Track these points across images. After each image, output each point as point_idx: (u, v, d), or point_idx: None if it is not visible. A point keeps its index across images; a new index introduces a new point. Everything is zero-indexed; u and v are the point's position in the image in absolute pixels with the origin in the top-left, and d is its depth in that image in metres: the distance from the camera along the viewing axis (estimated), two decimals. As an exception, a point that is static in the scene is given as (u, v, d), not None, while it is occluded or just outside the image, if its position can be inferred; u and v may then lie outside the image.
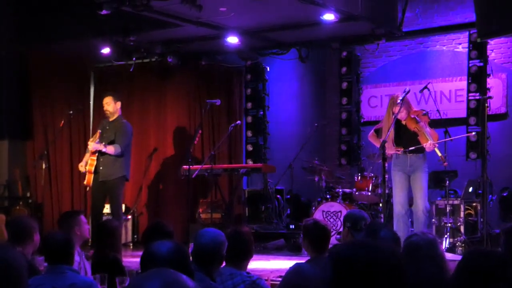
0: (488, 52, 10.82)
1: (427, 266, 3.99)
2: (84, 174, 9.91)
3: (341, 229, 8.57)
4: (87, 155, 9.85)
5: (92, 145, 9.71)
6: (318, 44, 11.68)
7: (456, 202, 10.04)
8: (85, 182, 9.91)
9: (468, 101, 10.86)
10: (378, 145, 8.48)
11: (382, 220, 9.10)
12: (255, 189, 12.22)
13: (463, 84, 11.16)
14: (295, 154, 11.39)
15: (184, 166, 10.58)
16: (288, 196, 12.20)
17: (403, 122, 8.69)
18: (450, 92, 11.60)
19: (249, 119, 12.82)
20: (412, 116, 8.63)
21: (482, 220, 9.72)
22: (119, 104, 9.95)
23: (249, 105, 12.85)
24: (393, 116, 8.47)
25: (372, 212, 10.12)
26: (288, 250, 10.66)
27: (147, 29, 10.64)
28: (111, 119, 9.90)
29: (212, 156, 11.02)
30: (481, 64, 10.66)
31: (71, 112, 10.88)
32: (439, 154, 8.45)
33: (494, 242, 8.84)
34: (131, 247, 11.77)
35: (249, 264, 4.91)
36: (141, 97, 12.73)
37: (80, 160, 10.21)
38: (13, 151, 12.50)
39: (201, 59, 12.34)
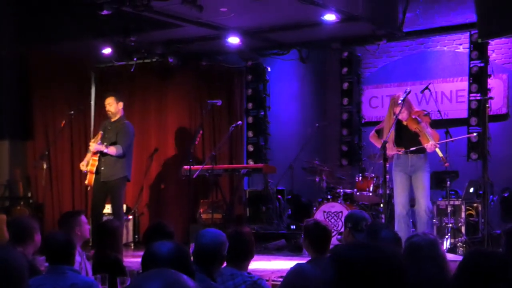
0: (489, 52, 10.81)
1: (428, 266, 3.99)
2: (85, 174, 9.92)
3: (342, 230, 8.57)
4: (89, 154, 9.85)
5: (94, 146, 9.71)
6: (318, 45, 11.68)
7: (457, 202, 10.03)
8: (86, 182, 9.92)
9: (469, 101, 10.86)
10: (379, 145, 8.47)
11: (383, 220, 9.12)
12: (256, 190, 12.22)
13: (464, 84, 11.16)
14: (296, 154, 11.38)
15: (185, 167, 10.59)
16: (289, 197, 12.19)
17: (404, 123, 8.68)
18: (451, 93, 11.59)
19: (250, 119, 12.83)
20: (413, 117, 8.62)
21: (483, 220, 9.71)
22: (121, 104, 9.95)
23: (250, 105, 12.85)
24: (394, 117, 8.47)
25: (373, 212, 10.11)
26: (289, 251, 10.66)
27: (148, 30, 10.64)
28: (113, 120, 9.90)
29: (213, 157, 11.01)
30: (482, 64, 10.66)
31: (72, 112, 10.88)
32: (440, 154, 8.45)
33: (495, 243, 8.82)
34: (132, 247, 11.76)
35: (250, 264, 4.91)
36: (142, 97, 12.73)
37: (81, 160, 10.21)
38: (13, 151, 12.51)
39: (201, 59, 12.35)
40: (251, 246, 4.85)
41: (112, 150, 9.63)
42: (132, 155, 10.12)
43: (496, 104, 10.93)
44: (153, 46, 11.74)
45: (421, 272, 3.93)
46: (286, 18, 10.29)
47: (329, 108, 12.66)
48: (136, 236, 12.08)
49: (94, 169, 9.70)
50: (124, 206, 10.74)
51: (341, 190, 10.48)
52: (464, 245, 9.53)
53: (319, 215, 10.05)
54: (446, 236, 9.56)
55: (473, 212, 10.10)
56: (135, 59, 12.00)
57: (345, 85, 12.08)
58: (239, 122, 11.50)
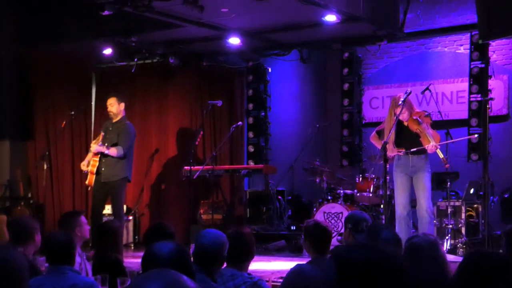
0: (490, 53, 10.82)
1: (429, 267, 3.99)
2: (85, 174, 9.92)
3: (342, 230, 8.57)
4: (90, 154, 9.86)
5: (95, 147, 9.71)
6: (319, 45, 11.68)
7: (457, 203, 10.04)
8: (86, 182, 9.92)
9: (470, 102, 10.86)
10: (379, 146, 8.47)
11: (383, 221, 9.12)
12: (256, 190, 12.22)
13: (465, 85, 11.17)
14: (296, 155, 11.39)
15: (186, 167, 10.60)
16: (289, 197, 12.20)
17: (405, 123, 8.68)
18: (452, 94, 11.60)
19: (251, 120, 12.83)
20: (414, 118, 8.62)
21: (483, 221, 9.72)
22: (122, 105, 9.95)
23: (251, 106, 12.86)
24: (395, 118, 8.47)
25: (373, 213, 10.12)
26: (289, 251, 10.66)
27: (149, 30, 10.65)
28: (114, 120, 9.90)
29: (214, 157, 11.02)
30: (483, 65, 10.66)
31: (72, 112, 10.88)
32: (441, 156, 8.44)
33: (496, 244, 8.83)
34: (132, 247, 11.77)
35: (250, 265, 4.91)
36: (143, 97, 12.73)
37: (81, 161, 10.21)
38: (14, 152, 12.51)
39: (202, 60, 12.35)
40: (252, 246, 4.85)
41: (113, 151, 9.63)
42: (133, 155, 10.12)
43: (497, 105, 10.93)
44: (154, 46, 11.74)
45: (422, 272, 3.93)
46: (287, 19, 10.30)
47: (329, 109, 12.67)
48: (137, 237, 12.08)
49: (94, 169, 9.71)
50: (125, 207, 10.73)
51: (342, 191, 10.49)
52: (464, 246, 9.53)
53: (319, 216, 10.05)
54: (446, 237, 9.56)
55: (474, 213, 10.10)
56: (136, 59, 11.99)
57: (346, 85, 12.08)
58: (240, 122, 11.50)
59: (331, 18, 9.87)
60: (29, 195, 12.20)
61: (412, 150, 8.59)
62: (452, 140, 9.54)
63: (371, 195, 10.25)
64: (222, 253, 4.42)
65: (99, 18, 9.17)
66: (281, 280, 4.74)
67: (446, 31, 11.50)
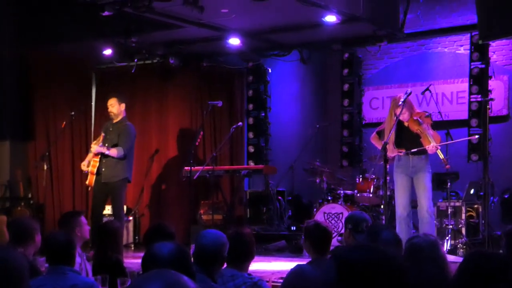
0: (490, 54, 10.82)
1: (429, 267, 3.99)
2: (85, 174, 9.93)
3: (342, 231, 8.58)
4: (90, 154, 9.86)
5: (96, 148, 9.71)
6: (319, 46, 11.68)
7: (457, 204, 10.03)
8: (87, 183, 9.92)
9: (470, 103, 10.86)
10: (380, 147, 8.47)
11: (384, 221, 9.11)
12: (257, 191, 12.22)
13: (465, 86, 11.17)
14: (296, 155, 11.39)
15: (186, 168, 10.60)
16: (290, 198, 12.20)
17: (406, 124, 8.67)
18: (452, 94, 11.61)
19: (251, 120, 12.83)
20: (415, 118, 8.61)
21: (483, 222, 9.71)
22: (123, 106, 9.95)
23: (251, 106, 12.86)
24: (395, 118, 8.46)
25: (373, 213, 10.12)
26: (290, 252, 10.66)
27: (149, 31, 10.65)
28: (115, 121, 9.90)
29: (214, 158, 11.02)
30: (483, 66, 10.66)
31: (72, 113, 10.88)
32: (441, 156, 8.44)
33: (496, 244, 8.82)
34: (133, 248, 11.76)
35: (250, 265, 4.91)
36: (143, 98, 12.72)
37: (81, 161, 10.21)
38: (14, 152, 12.50)
39: (202, 60, 12.35)
40: (252, 247, 4.85)
41: (113, 152, 9.63)
42: (133, 156, 10.12)
43: (497, 105, 10.93)
44: (154, 47, 11.74)
45: (422, 273, 3.93)
46: (287, 19, 10.29)
47: (329, 109, 12.67)
48: (137, 237, 12.08)
49: (95, 170, 9.71)
50: (125, 207, 10.74)
51: (342, 191, 10.49)
52: (465, 247, 9.53)
53: (319, 216, 10.05)
54: (447, 238, 9.56)
55: (474, 214, 10.10)
56: (136, 60, 11.99)
57: (346, 86, 12.08)
58: (240, 123, 11.49)
59: (331, 18, 9.87)
60: (29, 195, 12.19)
61: (412, 150, 8.58)
62: (453, 141, 9.54)
63: (371, 195, 10.26)
64: (222, 253, 4.42)
65: (99, 19, 9.18)
66: (281, 281, 4.74)
67: (446, 31, 11.51)
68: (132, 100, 12.30)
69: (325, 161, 11.47)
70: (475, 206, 10.12)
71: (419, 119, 8.59)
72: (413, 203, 8.83)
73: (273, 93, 13.00)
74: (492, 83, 10.79)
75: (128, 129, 9.88)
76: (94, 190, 9.85)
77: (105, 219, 9.77)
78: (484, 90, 10.61)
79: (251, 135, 12.81)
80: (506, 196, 10.59)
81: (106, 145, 9.68)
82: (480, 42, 9.86)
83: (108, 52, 11.47)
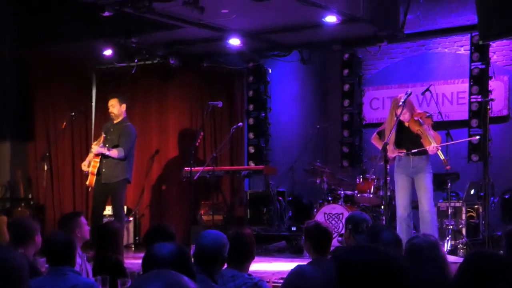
0: (490, 54, 10.82)
1: (429, 268, 3.99)
2: (86, 174, 9.93)
3: (342, 231, 8.58)
4: (91, 155, 9.86)
5: (96, 148, 9.71)
6: (320, 46, 11.69)
7: (458, 204, 10.03)
8: (87, 183, 9.93)
9: (470, 103, 10.86)
10: (381, 147, 8.46)
11: (384, 222, 9.10)
12: (257, 191, 12.22)
13: (465, 86, 11.17)
14: (296, 156, 11.39)
15: (186, 168, 10.59)
16: (290, 198, 12.20)
17: (406, 124, 8.66)
18: (452, 95, 11.60)
19: (251, 121, 12.84)
20: (416, 119, 8.60)
21: (483, 222, 9.71)
22: (124, 106, 9.95)
23: (251, 107, 12.86)
24: (395, 118, 8.46)
25: (373, 214, 10.12)
26: (290, 252, 10.66)
27: (149, 31, 10.65)
28: (115, 122, 9.90)
29: (214, 158, 11.03)
30: (483, 66, 10.66)
31: (73, 113, 10.88)
32: (442, 157, 8.43)
33: (496, 245, 8.82)
34: (133, 248, 11.76)
35: (250, 266, 4.91)
36: (143, 99, 12.73)
37: (81, 161, 10.22)
38: (14, 153, 12.50)
39: (203, 61, 12.35)
40: (252, 247, 4.85)
41: (114, 153, 9.64)
42: (134, 157, 10.12)
43: (497, 106, 10.92)
44: (154, 47, 11.74)
45: (422, 273, 3.93)
46: (287, 20, 10.30)
47: (330, 110, 12.67)
48: (137, 238, 12.08)
49: (95, 170, 9.71)
50: (125, 208, 10.74)
51: (342, 192, 10.49)
52: (465, 247, 9.53)
53: (319, 217, 10.05)
54: (447, 238, 9.56)
55: (474, 214, 10.10)
56: (136, 60, 11.99)
57: (346, 86, 12.08)
58: (240, 123, 11.50)
59: (331, 19, 9.87)
60: (30, 196, 12.20)
61: (413, 151, 8.58)
62: (454, 142, 9.54)
63: (371, 196, 10.25)
64: (222, 254, 4.42)
65: (100, 19, 9.18)
66: (281, 281, 4.74)
67: (446, 32, 11.50)
68: (133, 101, 12.31)
69: (326, 162, 11.47)
70: (476, 206, 10.12)
71: (420, 119, 8.58)
72: (414, 204, 8.83)
73: (273, 93, 13.01)
74: (493, 84, 10.79)
75: (129, 129, 9.88)
76: (94, 190, 9.86)
77: (105, 220, 9.77)
78: (484, 91, 10.61)
79: (251, 135, 12.81)
80: (506, 197, 10.58)
81: (107, 145, 9.68)
82: (480, 42, 9.86)
83: (108, 52, 11.48)
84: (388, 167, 8.16)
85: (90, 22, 9.99)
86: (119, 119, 9.89)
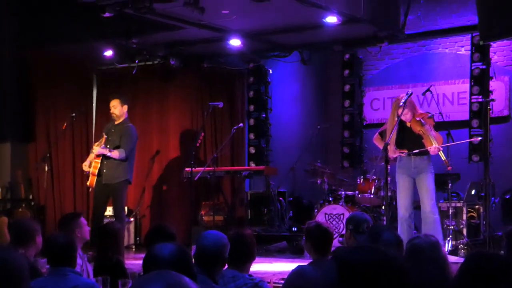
0: (491, 54, 10.82)
1: (430, 268, 3.99)
2: (86, 175, 9.94)
3: (343, 232, 8.57)
4: (92, 155, 9.86)
5: (98, 149, 9.71)
6: (320, 47, 11.69)
7: (458, 204, 10.03)
8: (88, 184, 9.93)
9: (471, 103, 10.85)
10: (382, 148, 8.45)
11: (385, 222, 9.10)
12: (258, 192, 12.22)
13: (466, 86, 11.16)
14: (297, 156, 11.39)
15: (187, 169, 10.60)
16: (291, 199, 12.20)
17: (408, 124, 8.66)
18: (453, 95, 11.59)
19: (252, 121, 12.84)
20: (418, 119, 8.59)
21: (484, 222, 9.71)
22: (125, 107, 9.95)
23: (252, 107, 12.86)
24: (396, 119, 8.45)
25: (374, 214, 10.12)
26: (291, 253, 10.65)
27: (150, 32, 10.65)
28: (117, 122, 9.91)
29: (215, 159, 11.03)
30: (484, 66, 10.66)
31: (73, 114, 10.88)
32: (443, 158, 8.42)
33: (497, 245, 8.81)
34: (134, 249, 11.77)
35: (251, 266, 4.91)
36: (144, 99, 12.73)
37: (82, 162, 10.22)
38: (15, 154, 12.51)
39: (203, 61, 12.35)
40: (253, 248, 4.85)
41: (115, 154, 9.64)
42: (134, 158, 10.13)
43: (498, 106, 10.91)
44: (155, 48, 11.74)
45: (423, 274, 3.93)
46: (287, 20, 10.30)
47: (330, 110, 12.67)
48: (138, 238, 12.08)
49: (96, 171, 9.72)
50: (126, 208, 10.74)
51: (343, 192, 10.49)
52: (466, 247, 9.53)
53: (320, 217, 10.05)
54: (448, 238, 9.55)
55: (475, 214, 10.09)
56: (137, 61, 12.00)
57: (347, 87, 12.08)
58: (241, 124, 11.51)
59: (331, 19, 9.87)
60: (30, 197, 12.21)
61: (414, 151, 8.57)
62: (455, 143, 9.53)
63: (372, 196, 10.25)
64: (223, 254, 4.42)
65: (100, 20, 9.18)
66: (282, 282, 4.74)
67: (447, 32, 11.50)
68: (133, 101, 12.31)
69: (326, 162, 11.47)
70: (476, 206, 10.12)
71: (422, 120, 8.57)
72: (415, 204, 8.82)
73: (274, 94, 13.01)
74: (493, 84, 10.79)
75: (130, 130, 9.89)
76: (95, 191, 9.86)
77: (106, 220, 9.78)
78: (485, 91, 10.61)
79: (252, 136, 12.81)
80: (507, 197, 10.58)
81: (108, 146, 9.69)
82: (481, 43, 9.86)
83: (109, 53, 11.49)
84: (389, 167, 8.15)
85: (90, 22, 10.00)
86: (120, 120, 9.89)
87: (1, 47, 11.49)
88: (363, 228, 5.40)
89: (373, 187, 10.25)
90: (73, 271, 4.55)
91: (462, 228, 9.87)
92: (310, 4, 9.22)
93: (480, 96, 10.63)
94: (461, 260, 4.61)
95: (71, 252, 4.62)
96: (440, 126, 9.40)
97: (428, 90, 9.86)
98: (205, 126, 11.32)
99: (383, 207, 9.98)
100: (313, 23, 10.25)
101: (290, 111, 13.13)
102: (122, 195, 9.84)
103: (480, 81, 10.67)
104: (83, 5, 9.18)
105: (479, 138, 10.14)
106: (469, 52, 10.94)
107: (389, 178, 8.41)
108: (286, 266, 8.68)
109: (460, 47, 11.62)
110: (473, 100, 10.79)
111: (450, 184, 9.78)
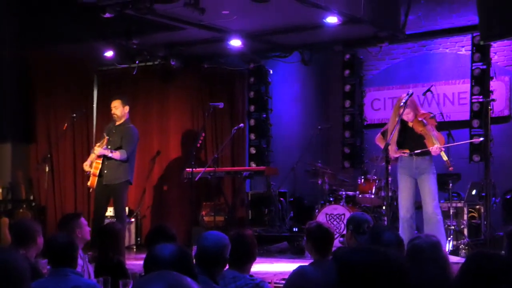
0: (491, 54, 10.83)
1: (431, 268, 3.99)
2: (87, 175, 9.94)
3: (344, 232, 8.56)
4: (93, 155, 9.86)
5: (99, 150, 9.71)
6: (321, 47, 11.68)
7: (459, 204, 10.03)
8: (88, 184, 9.93)
9: (471, 103, 10.86)
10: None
11: (386, 223, 9.10)
12: (258, 192, 12.22)
13: (466, 86, 11.16)
14: (298, 157, 11.39)
15: (187, 169, 10.60)
16: (291, 199, 12.20)
17: (410, 124, 8.65)
18: (453, 95, 11.60)
19: (252, 122, 12.84)
20: (420, 119, 8.58)
21: (485, 222, 9.71)
22: (127, 108, 9.95)
23: (252, 108, 12.87)
24: (397, 119, 8.44)
25: (375, 215, 10.12)
26: (291, 253, 10.65)
27: (150, 32, 10.65)
28: (118, 123, 9.90)
29: (215, 159, 11.03)
30: (484, 67, 10.67)
31: (74, 115, 10.86)
32: (445, 158, 8.41)
33: (498, 245, 8.80)
34: (135, 250, 11.77)
35: (252, 267, 4.91)
36: (144, 100, 12.73)
37: (83, 163, 10.21)
38: (16, 154, 12.50)
39: (204, 62, 12.35)
40: (253, 248, 4.84)
41: (116, 155, 9.65)
42: (135, 158, 10.13)
43: (498, 106, 10.91)
44: (155, 48, 11.74)
45: (423, 274, 3.93)
46: (288, 21, 10.30)
47: (331, 111, 12.67)
48: (139, 239, 12.08)
49: (97, 171, 9.72)
50: (127, 209, 10.74)
51: (344, 193, 10.50)
52: (467, 247, 9.52)
53: (321, 218, 10.05)
54: (449, 238, 9.55)
55: (476, 214, 10.09)
56: (137, 61, 11.99)
57: (347, 87, 12.09)
58: (241, 124, 11.51)
59: (332, 19, 9.86)
60: (31, 197, 12.20)
61: (416, 151, 8.56)
62: (457, 143, 9.53)
63: (373, 196, 10.25)
64: (224, 255, 4.42)
65: (101, 20, 9.17)
66: (283, 282, 4.74)
67: (447, 32, 11.50)
68: (134, 102, 12.30)
69: (327, 162, 11.47)
70: (477, 206, 10.12)
71: (424, 120, 8.56)
72: (417, 204, 8.81)
73: (274, 94, 13.01)
74: (494, 84, 10.79)
75: (131, 131, 9.89)
76: (96, 192, 9.87)
77: (107, 221, 9.79)
78: (485, 91, 10.61)
79: (252, 136, 12.82)
80: (508, 197, 10.59)
81: (109, 147, 9.69)
82: (482, 43, 9.86)
83: (109, 53, 11.49)
84: (389, 167, 8.14)
85: (91, 23, 9.99)
86: (122, 121, 9.89)
87: (1, 47, 11.48)
88: (364, 228, 5.39)
89: (373, 188, 10.24)
90: (74, 272, 4.55)
91: (463, 228, 9.87)
92: (310, 4, 9.22)
93: (481, 96, 10.63)
94: (462, 260, 4.60)
95: (71, 252, 4.62)
96: (440, 126, 9.39)
97: (428, 90, 9.86)
98: (205, 126, 11.32)
99: (383, 207, 9.99)
100: (314, 23, 10.25)
101: (291, 111, 13.14)
102: (123, 195, 9.84)
103: (481, 81, 10.68)
104: (83, 5, 9.18)
105: (481, 139, 10.14)
106: (470, 52, 10.95)
107: (390, 178, 8.40)
108: (287, 267, 8.67)
109: (460, 47, 11.62)
110: (473, 100, 10.80)
111: (451, 184, 9.78)
